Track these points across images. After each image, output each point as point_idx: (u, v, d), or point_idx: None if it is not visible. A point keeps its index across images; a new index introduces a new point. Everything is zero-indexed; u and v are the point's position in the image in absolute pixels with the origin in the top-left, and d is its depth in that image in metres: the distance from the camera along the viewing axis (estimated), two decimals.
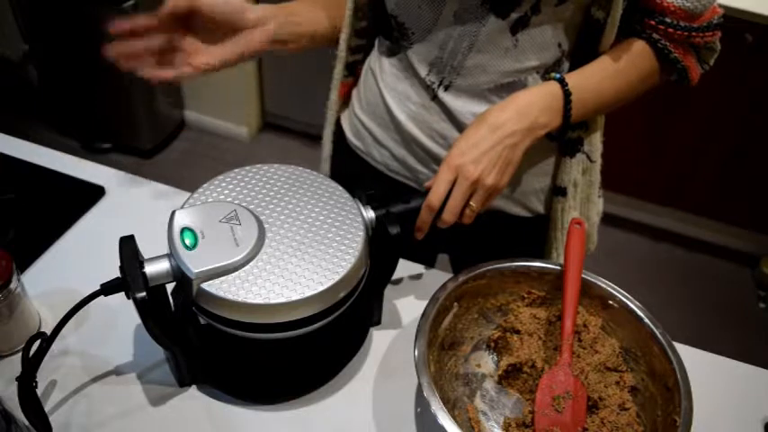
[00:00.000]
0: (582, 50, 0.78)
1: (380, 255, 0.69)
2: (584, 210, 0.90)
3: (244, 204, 0.66)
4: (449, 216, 0.72)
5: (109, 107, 2.36)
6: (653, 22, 0.76)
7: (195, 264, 0.59)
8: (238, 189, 0.68)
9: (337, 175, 1.00)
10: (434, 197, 0.71)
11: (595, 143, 0.87)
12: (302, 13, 0.83)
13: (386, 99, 0.86)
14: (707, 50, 0.81)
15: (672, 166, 2.16)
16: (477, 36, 0.75)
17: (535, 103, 0.74)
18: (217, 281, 0.59)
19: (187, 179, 2.25)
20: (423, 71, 0.81)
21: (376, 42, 0.89)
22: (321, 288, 0.60)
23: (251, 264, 0.61)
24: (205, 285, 0.59)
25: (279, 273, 0.60)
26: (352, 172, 0.96)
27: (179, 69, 0.73)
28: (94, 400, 0.69)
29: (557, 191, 0.87)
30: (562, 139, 0.81)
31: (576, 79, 0.76)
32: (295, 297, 0.59)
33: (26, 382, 0.62)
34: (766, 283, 2.21)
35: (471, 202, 0.73)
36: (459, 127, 0.82)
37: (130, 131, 2.41)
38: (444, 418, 0.59)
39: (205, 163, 2.42)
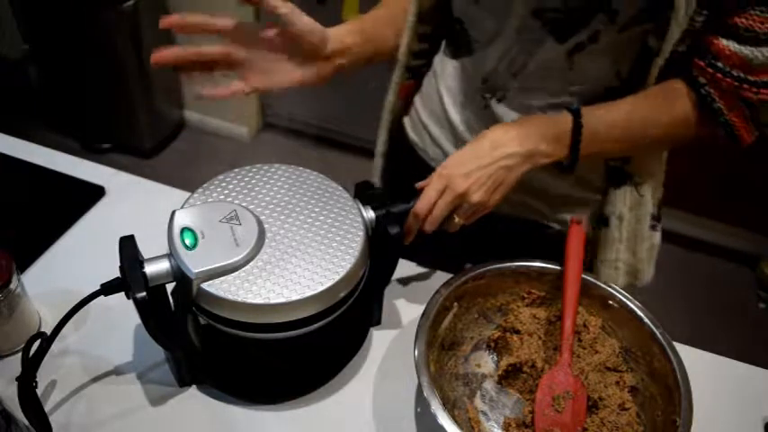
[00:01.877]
0: (631, 80, 0.74)
1: (380, 255, 0.69)
2: (631, 245, 0.85)
3: (244, 204, 0.66)
4: (428, 226, 0.71)
5: (109, 107, 2.36)
6: (702, 63, 0.69)
7: (195, 264, 0.59)
8: (238, 189, 0.68)
9: (390, 171, 1.01)
10: (421, 204, 0.70)
11: (644, 174, 0.82)
12: (375, 39, 0.81)
13: (443, 99, 0.87)
14: (765, 110, 0.71)
15: (672, 166, 2.16)
16: (533, 55, 0.75)
17: (541, 130, 0.70)
18: (217, 281, 0.59)
19: (187, 179, 2.24)
20: (479, 80, 0.81)
21: (443, 43, 0.88)
22: (321, 288, 0.60)
23: (251, 264, 0.61)
24: (205, 285, 0.59)
25: (279, 273, 0.60)
26: (408, 168, 0.95)
27: (232, 88, 0.72)
28: (94, 399, 0.69)
29: (600, 220, 0.84)
30: (571, 170, 0.75)
31: (593, 114, 0.71)
32: (295, 297, 0.59)
33: (26, 382, 0.62)
34: (766, 283, 2.21)
35: (455, 215, 0.71)
36: None
37: (130, 131, 2.41)
38: (444, 418, 0.59)
39: (205, 163, 2.42)
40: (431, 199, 0.69)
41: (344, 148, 2.45)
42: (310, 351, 0.74)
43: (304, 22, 0.73)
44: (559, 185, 0.85)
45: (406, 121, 0.97)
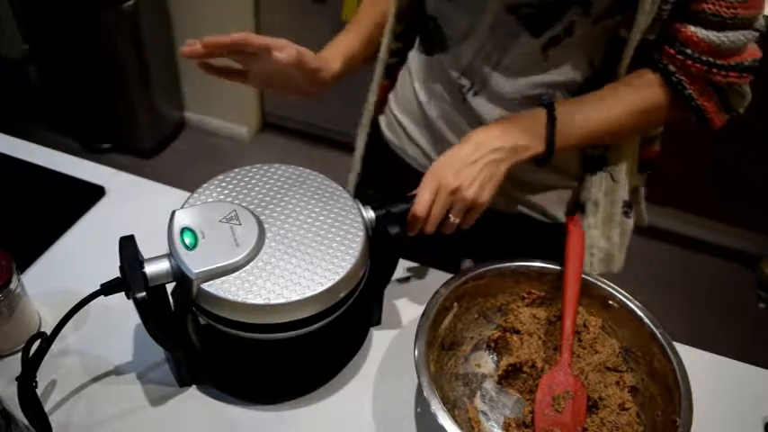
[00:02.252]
0: (604, 69, 0.76)
1: (380, 255, 0.69)
2: (606, 229, 0.88)
3: (244, 204, 0.66)
4: (428, 227, 0.72)
5: (109, 107, 2.36)
6: (672, 51, 0.72)
7: (195, 264, 0.59)
8: (238, 189, 0.68)
9: (369, 171, 1.02)
10: (419, 206, 0.71)
11: (621, 163, 0.84)
12: (357, 54, 0.87)
13: (419, 96, 0.88)
14: (734, 94, 0.74)
15: (672, 166, 2.16)
16: (508, 49, 0.76)
17: (519, 126, 0.73)
18: (217, 281, 0.59)
19: (187, 179, 2.24)
20: (455, 74, 0.82)
21: (416, 41, 0.89)
22: (321, 288, 0.60)
23: (251, 264, 0.61)
24: (205, 286, 0.59)
25: (279, 273, 0.60)
26: (384, 168, 0.97)
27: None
28: (94, 399, 0.69)
29: (576, 205, 0.86)
30: (546, 162, 0.77)
31: (567, 107, 0.74)
32: (295, 297, 0.59)
33: (26, 382, 0.62)
34: (766, 283, 2.21)
35: (451, 215, 0.72)
36: None
37: (130, 131, 2.41)
38: (444, 418, 0.59)
39: (205, 163, 2.42)
40: (427, 200, 0.70)
41: (344, 148, 2.44)
42: (310, 351, 0.74)
43: (309, 58, 0.78)
44: (538, 175, 0.86)
45: (382, 120, 0.98)
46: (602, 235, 0.88)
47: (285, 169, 0.71)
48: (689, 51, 0.71)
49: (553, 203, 0.88)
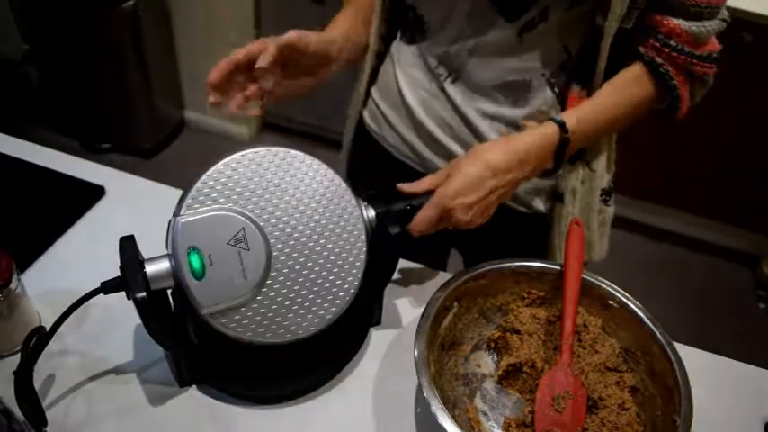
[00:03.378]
0: (584, 56, 0.78)
1: (380, 254, 0.69)
2: (584, 216, 0.90)
3: (246, 212, 0.64)
4: (415, 234, 0.72)
5: (109, 107, 2.36)
6: (657, 44, 0.75)
7: (204, 298, 0.60)
8: (237, 189, 0.66)
9: (355, 162, 1.04)
10: (420, 225, 0.71)
11: (596, 153, 0.86)
12: (359, 34, 0.88)
13: (399, 83, 0.89)
14: (700, 83, 0.80)
15: (672, 166, 2.17)
16: (485, 35, 0.77)
17: (534, 151, 0.73)
18: (224, 319, 0.61)
19: (187, 179, 2.24)
20: (433, 62, 0.83)
21: (399, 31, 0.90)
22: (327, 319, 0.64)
23: (258, 299, 0.62)
24: (212, 320, 0.61)
25: (287, 306, 0.63)
26: (367, 158, 0.99)
27: (261, 103, 0.78)
28: (94, 399, 0.69)
29: (555, 195, 0.88)
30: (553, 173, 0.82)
31: (576, 122, 0.75)
32: (300, 333, 0.63)
33: (23, 375, 0.61)
34: (766, 283, 2.21)
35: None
36: (464, 119, 0.84)
37: (130, 131, 2.41)
38: (444, 418, 0.59)
39: (205, 163, 2.41)
40: (430, 222, 0.71)
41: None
42: (310, 351, 0.74)
43: (312, 39, 0.78)
44: None
45: (365, 111, 1.00)
46: None
47: (281, 157, 0.67)
48: (672, 43, 0.74)
49: (531, 194, 0.90)
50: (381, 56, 0.93)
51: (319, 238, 0.65)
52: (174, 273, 0.60)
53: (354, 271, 0.65)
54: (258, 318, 0.62)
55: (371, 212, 0.69)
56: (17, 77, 2.51)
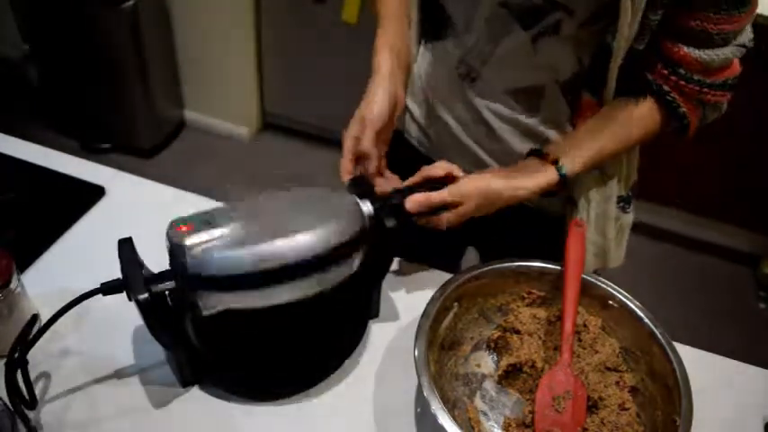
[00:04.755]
0: (595, 69, 0.77)
1: (377, 247, 0.69)
2: (600, 224, 0.89)
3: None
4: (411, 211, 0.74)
5: (109, 107, 2.36)
6: (666, 72, 0.74)
7: (190, 239, 0.59)
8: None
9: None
10: (415, 206, 0.73)
11: (612, 163, 0.85)
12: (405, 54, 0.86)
13: (423, 80, 0.91)
14: (712, 109, 0.79)
15: (672, 166, 2.16)
16: (501, 41, 0.78)
17: (530, 196, 0.78)
18: (208, 244, 0.59)
19: (187, 179, 2.24)
20: (454, 62, 0.85)
21: (426, 29, 0.91)
22: (314, 226, 0.61)
23: (242, 222, 0.61)
24: (198, 250, 0.59)
25: (269, 218, 0.62)
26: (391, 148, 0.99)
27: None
28: (95, 400, 0.69)
29: (568, 200, 0.88)
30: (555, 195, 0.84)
31: (572, 160, 0.78)
32: (280, 238, 0.60)
33: (15, 362, 0.61)
34: (766, 283, 2.21)
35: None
36: (481, 119, 0.86)
37: (130, 131, 2.40)
38: (444, 418, 0.59)
39: (205, 163, 2.42)
40: (429, 205, 0.73)
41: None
42: (311, 341, 0.74)
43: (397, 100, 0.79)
44: None
45: None
46: (595, 230, 0.89)
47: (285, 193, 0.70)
48: (682, 71, 0.73)
49: (549, 197, 0.88)
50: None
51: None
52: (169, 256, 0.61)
53: (343, 204, 0.65)
54: (244, 230, 0.60)
55: (369, 206, 0.69)
56: (17, 77, 2.51)
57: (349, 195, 0.69)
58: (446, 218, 0.75)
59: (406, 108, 0.95)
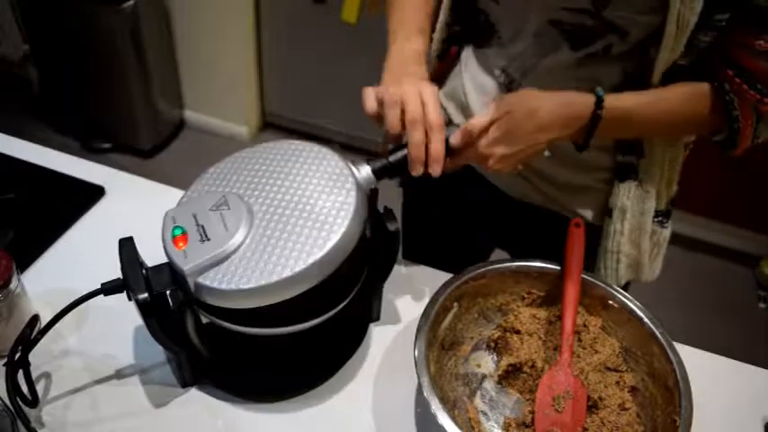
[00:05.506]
0: (637, 79, 0.75)
1: (379, 250, 0.69)
2: (634, 237, 0.87)
3: (234, 191, 0.65)
4: (434, 167, 0.70)
5: (109, 107, 2.36)
6: (731, 73, 0.71)
7: (187, 260, 0.59)
8: (228, 178, 0.68)
9: None
10: (460, 139, 0.70)
11: (653, 172, 0.83)
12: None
13: (465, 85, 0.89)
14: (765, 125, 0.75)
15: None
16: (545, 56, 0.77)
17: (581, 120, 0.71)
18: (211, 272, 0.59)
19: (187, 179, 2.23)
20: (497, 71, 0.84)
21: (466, 35, 0.90)
22: (314, 258, 0.59)
23: (242, 248, 0.60)
24: (201, 279, 0.59)
25: (270, 252, 0.60)
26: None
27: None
28: (96, 400, 0.69)
29: (605, 210, 0.86)
30: (584, 149, 0.77)
31: (614, 104, 0.72)
32: (286, 274, 0.58)
33: (18, 361, 0.61)
34: (766, 283, 2.21)
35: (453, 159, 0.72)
36: None
37: (130, 131, 2.40)
38: (444, 418, 0.59)
39: (205, 163, 2.40)
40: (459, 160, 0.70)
41: (345, 148, 2.45)
42: (311, 345, 0.74)
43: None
44: (573, 177, 0.86)
45: None
46: (629, 242, 0.86)
47: (273, 146, 0.69)
48: (746, 77, 0.70)
49: (582, 204, 0.88)
50: (441, 57, 0.92)
51: (301, 184, 0.65)
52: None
53: (343, 213, 0.62)
54: (243, 263, 0.59)
55: (366, 169, 0.67)
56: (17, 77, 2.51)
57: (342, 163, 0.66)
58: (485, 165, 0.70)
59: (444, 110, 0.92)
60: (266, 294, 0.59)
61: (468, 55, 0.90)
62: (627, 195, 0.83)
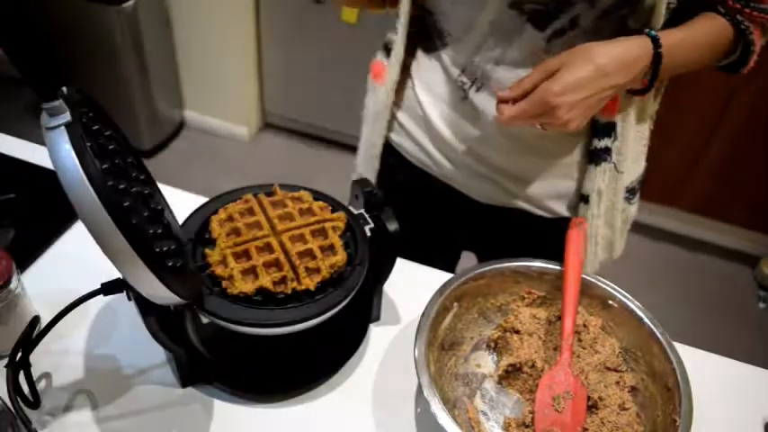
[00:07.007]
0: None
1: (379, 251, 0.69)
2: (609, 217, 0.89)
3: None
4: (503, 120, 0.70)
5: (109, 107, 2.35)
6: (738, 6, 0.74)
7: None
8: None
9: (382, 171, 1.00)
10: (508, 117, 0.69)
11: (625, 153, 0.84)
12: None
13: (419, 96, 0.88)
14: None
15: (672, 165, 2.17)
16: (512, 44, 0.76)
17: (640, 62, 0.70)
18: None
19: (187, 179, 2.24)
20: (455, 72, 0.82)
21: (417, 44, 0.88)
22: None
23: None
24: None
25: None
26: (391, 165, 0.97)
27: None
28: (96, 399, 0.69)
29: (581, 198, 0.87)
30: (647, 92, 0.77)
31: (670, 43, 0.72)
32: None
33: (20, 362, 0.61)
34: (766, 283, 2.21)
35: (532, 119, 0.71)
36: (488, 128, 0.83)
37: (130, 131, 2.41)
38: (444, 418, 0.59)
39: (205, 163, 2.42)
40: (526, 115, 0.69)
41: (344, 148, 2.45)
42: (311, 346, 0.74)
43: None
44: (534, 166, 0.86)
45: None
46: (605, 223, 0.89)
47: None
48: (753, 4, 0.74)
49: (552, 197, 0.88)
50: (405, 67, 0.90)
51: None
52: None
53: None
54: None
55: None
56: (17, 77, 2.51)
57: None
58: (555, 118, 0.68)
59: (400, 126, 0.93)
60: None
61: (417, 65, 0.88)
62: (602, 179, 0.84)
